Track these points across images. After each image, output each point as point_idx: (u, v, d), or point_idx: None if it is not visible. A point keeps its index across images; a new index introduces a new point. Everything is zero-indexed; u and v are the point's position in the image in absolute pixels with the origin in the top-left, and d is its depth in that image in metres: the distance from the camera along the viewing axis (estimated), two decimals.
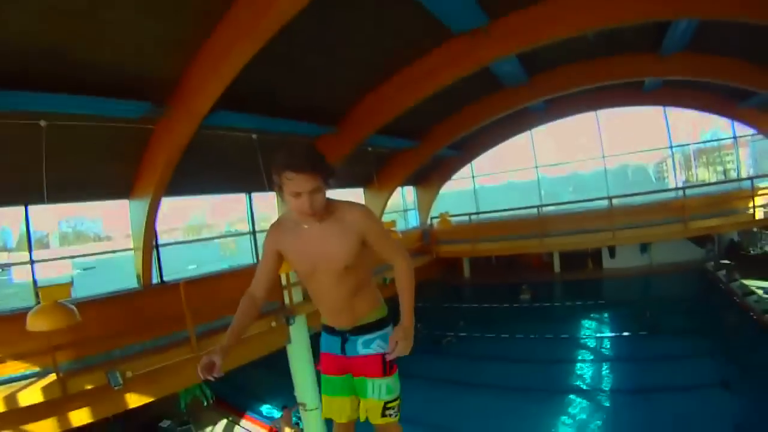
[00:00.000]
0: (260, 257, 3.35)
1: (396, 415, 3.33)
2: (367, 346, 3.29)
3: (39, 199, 8.10)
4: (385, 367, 3.26)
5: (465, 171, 25.30)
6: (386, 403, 3.28)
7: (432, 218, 22.92)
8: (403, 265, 3.13)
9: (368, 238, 3.04)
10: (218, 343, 3.04)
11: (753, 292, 18.82)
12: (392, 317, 3.38)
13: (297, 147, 2.71)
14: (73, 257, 12.41)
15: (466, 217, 21.28)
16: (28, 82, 6.54)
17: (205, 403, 16.13)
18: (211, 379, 2.90)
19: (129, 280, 10.86)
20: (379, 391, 3.27)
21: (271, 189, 9.70)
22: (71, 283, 6.51)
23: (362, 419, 3.42)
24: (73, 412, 7.91)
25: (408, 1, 8.60)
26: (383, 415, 3.28)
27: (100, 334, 8.83)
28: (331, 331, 3.43)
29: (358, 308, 3.26)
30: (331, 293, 3.19)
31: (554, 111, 21.69)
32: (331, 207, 2.96)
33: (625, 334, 18.54)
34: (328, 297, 3.24)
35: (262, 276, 3.29)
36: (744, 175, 21.94)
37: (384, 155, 17.21)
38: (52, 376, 7.85)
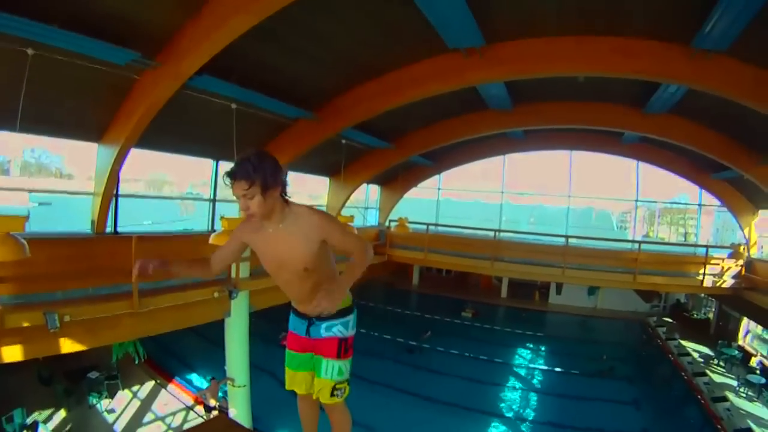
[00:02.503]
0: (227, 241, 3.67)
1: (342, 396, 3.66)
2: (328, 330, 3.62)
3: (10, 126, 8.01)
4: (340, 350, 3.61)
5: (432, 181, 25.47)
6: (336, 383, 3.60)
7: (391, 221, 23.01)
8: (362, 251, 3.26)
9: (330, 239, 3.28)
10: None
11: (688, 354, 19.38)
12: (356, 307, 3.74)
13: (240, 158, 3.05)
14: (31, 190, 12.20)
15: (424, 226, 21.38)
16: (22, 8, 6.48)
17: (137, 361, 16.10)
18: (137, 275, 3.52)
19: (82, 224, 10.77)
20: (332, 372, 3.59)
21: None
22: (27, 217, 6.44)
23: (314, 397, 3.72)
24: (6, 347, 7.84)
25: (410, 7, 8.64)
26: (332, 395, 3.61)
27: (45, 272, 8.74)
28: (298, 314, 3.76)
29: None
30: (295, 288, 3.54)
31: (532, 142, 21.94)
32: (291, 212, 3.27)
33: (558, 369, 18.88)
34: (292, 291, 3.58)
35: (222, 255, 3.64)
36: (703, 242, 22.37)
37: (356, 150, 17.24)
38: None
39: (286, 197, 3.24)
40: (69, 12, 6.98)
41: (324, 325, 3.61)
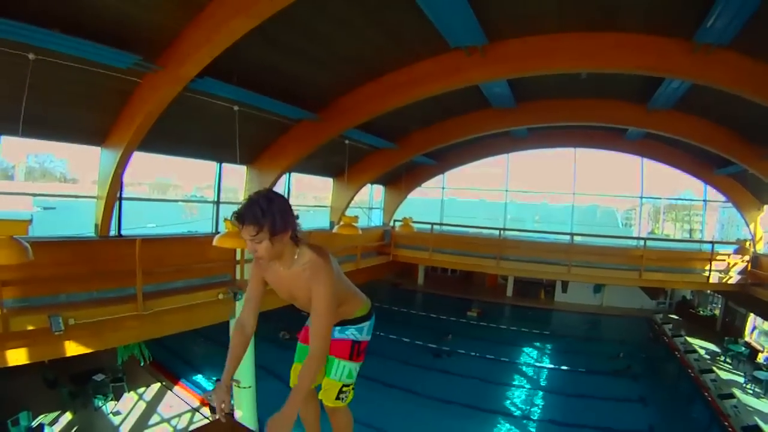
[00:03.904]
0: (249, 283, 3.56)
1: (346, 401, 3.62)
2: (342, 332, 3.62)
3: (13, 131, 8.05)
4: (352, 352, 3.60)
5: (436, 181, 25.44)
6: (343, 386, 3.56)
7: (395, 221, 22.98)
8: (315, 352, 3.08)
9: (311, 293, 3.09)
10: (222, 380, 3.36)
11: (695, 351, 19.32)
12: (373, 312, 3.75)
13: (249, 200, 2.94)
14: (35, 195, 12.25)
15: (429, 226, 21.36)
16: (23, 13, 6.49)
17: (142, 363, 16.12)
18: (224, 416, 3.28)
19: (87, 228, 10.78)
20: (341, 373, 3.56)
21: (242, 162, 9.69)
22: (30, 221, 6.42)
23: (318, 397, 3.67)
24: (11, 350, 7.85)
25: (411, 7, 8.64)
26: (337, 398, 3.56)
27: (49, 276, 8.77)
28: None
29: (339, 315, 3.48)
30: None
31: (535, 140, 21.95)
32: (301, 257, 3.18)
33: (564, 368, 18.84)
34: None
35: (251, 300, 3.52)
36: (708, 238, 22.28)
37: (359, 150, 17.32)
38: None
39: (297, 238, 3.16)
40: (70, 16, 7.00)
41: (338, 327, 3.60)
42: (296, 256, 3.17)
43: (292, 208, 3.08)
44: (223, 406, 3.19)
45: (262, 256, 3.02)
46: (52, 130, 9.66)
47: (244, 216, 2.88)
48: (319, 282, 3.07)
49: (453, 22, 9.39)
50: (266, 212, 2.87)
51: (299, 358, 3.78)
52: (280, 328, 16.38)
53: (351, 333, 3.61)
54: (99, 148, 10.35)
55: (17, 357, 7.94)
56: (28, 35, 6.79)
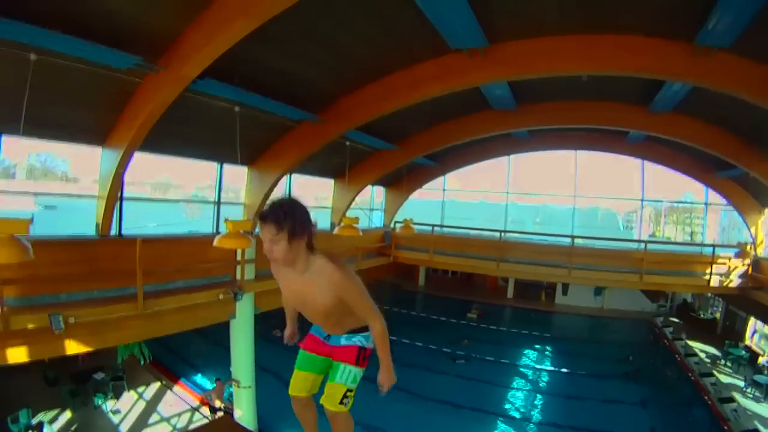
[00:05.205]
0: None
1: (348, 405, 3.64)
2: (348, 339, 3.69)
3: (14, 131, 8.07)
4: (359, 357, 3.66)
5: (437, 182, 25.39)
6: (347, 390, 3.59)
7: (396, 222, 22.98)
8: (378, 329, 3.43)
9: (345, 300, 3.32)
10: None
11: (695, 354, 19.29)
12: None
13: (273, 202, 3.17)
14: (36, 194, 12.27)
15: (429, 227, 21.36)
16: (24, 14, 6.50)
17: (142, 362, 16.16)
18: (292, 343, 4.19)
19: (88, 227, 10.79)
20: (347, 377, 3.60)
21: (243, 163, 9.76)
22: (31, 220, 6.43)
23: (321, 401, 3.70)
24: (11, 348, 7.89)
25: (412, 9, 8.65)
26: (340, 402, 3.58)
27: (49, 275, 8.80)
28: None
29: (344, 326, 3.65)
30: (317, 320, 3.69)
31: (536, 142, 21.93)
32: (313, 264, 3.31)
33: (564, 370, 18.82)
34: (315, 321, 3.73)
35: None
36: (709, 240, 22.25)
37: (360, 151, 17.33)
38: None
39: (312, 247, 3.29)
40: (71, 17, 7.01)
41: (345, 336, 3.68)
42: (309, 264, 3.29)
43: (311, 217, 3.25)
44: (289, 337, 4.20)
45: (277, 258, 3.16)
46: (53, 130, 9.69)
47: (267, 216, 3.07)
48: (344, 284, 3.29)
49: (454, 24, 9.38)
50: (288, 215, 3.08)
51: (301, 365, 3.86)
52: (273, 326, 16.35)
53: (358, 340, 3.67)
54: (100, 148, 10.36)
55: (18, 355, 7.99)
56: (29, 36, 6.82)
